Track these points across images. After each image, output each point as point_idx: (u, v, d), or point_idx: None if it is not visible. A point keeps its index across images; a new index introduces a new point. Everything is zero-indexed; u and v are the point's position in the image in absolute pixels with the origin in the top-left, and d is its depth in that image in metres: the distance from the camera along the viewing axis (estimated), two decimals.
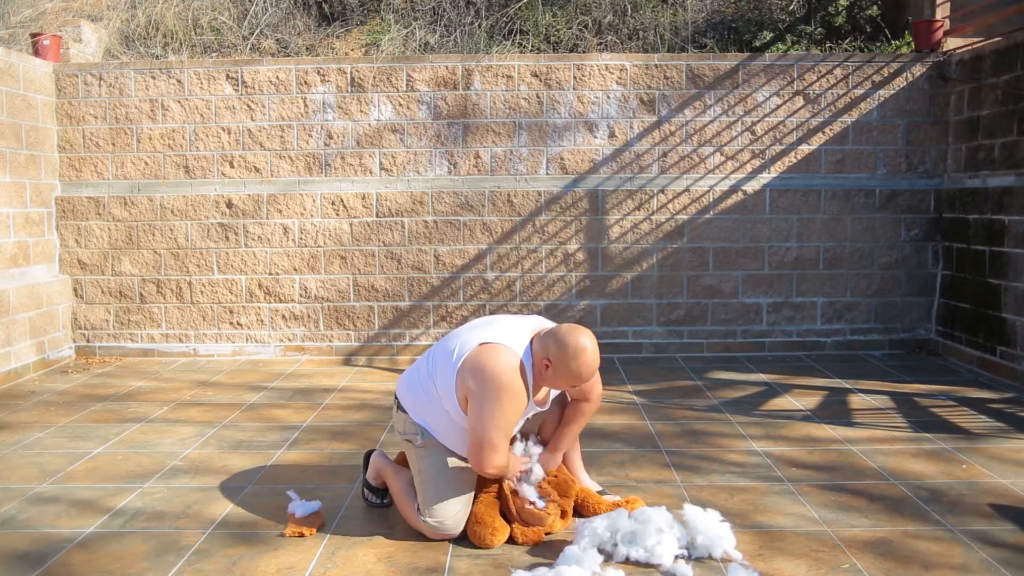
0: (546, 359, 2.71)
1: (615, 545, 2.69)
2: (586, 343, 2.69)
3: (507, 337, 2.77)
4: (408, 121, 5.96)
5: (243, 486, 3.42)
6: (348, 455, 3.81)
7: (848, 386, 5.04)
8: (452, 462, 2.88)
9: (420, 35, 6.75)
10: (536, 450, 3.02)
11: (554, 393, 2.99)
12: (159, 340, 6.10)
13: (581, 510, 2.98)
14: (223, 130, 6.00)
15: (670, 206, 5.96)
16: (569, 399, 3.07)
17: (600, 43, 6.74)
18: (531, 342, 2.79)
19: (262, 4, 7.01)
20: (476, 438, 2.70)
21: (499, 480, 2.90)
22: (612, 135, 5.95)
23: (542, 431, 3.17)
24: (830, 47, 6.53)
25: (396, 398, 3.03)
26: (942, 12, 6.01)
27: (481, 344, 2.74)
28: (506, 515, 2.88)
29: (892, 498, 3.24)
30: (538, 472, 2.95)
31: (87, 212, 6.04)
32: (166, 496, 3.31)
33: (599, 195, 5.96)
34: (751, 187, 5.95)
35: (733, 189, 5.95)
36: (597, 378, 2.99)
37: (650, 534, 2.67)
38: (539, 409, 2.97)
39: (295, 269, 6.04)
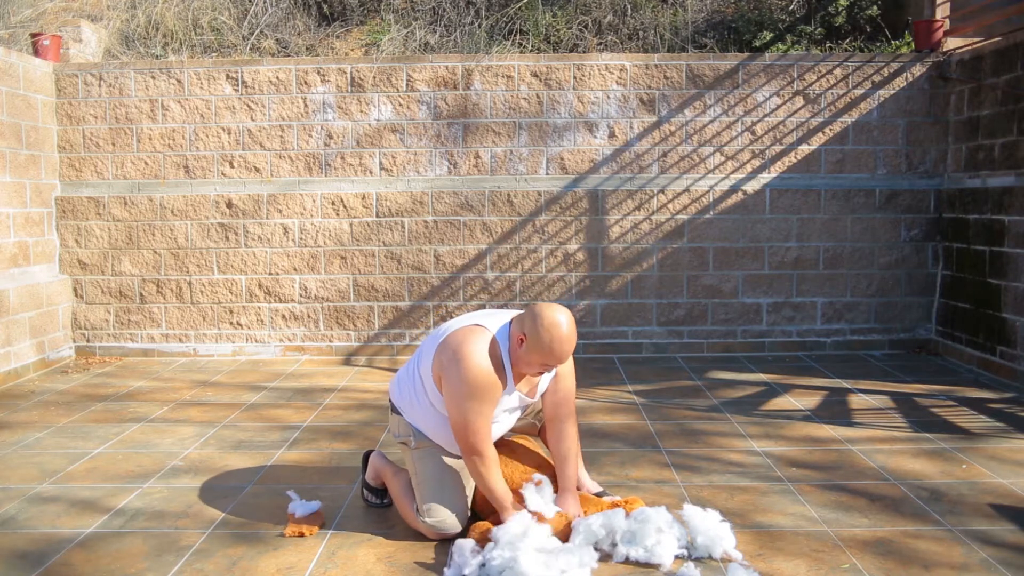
0: (521, 334, 2.71)
1: (614, 545, 2.68)
2: (561, 318, 2.67)
3: (487, 320, 2.81)
4: (408, 121, 5.96)
5: (243, 486, 3.42)
6: (348, 455, 3.81)
7: (848, 386, 5.04)
8: (448, 462, 2.88)
9: (420, 35, 6.75)
10: (548, 497, 2.84)
11: (543, 386, 2.96)
12: (159, 340, 6.10)
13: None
14: (223, 130, 6.00)
15: (670, 206, 5.96)
16: (548, 418, 2.99)
17: (600, 43, 6.74)
18: (510, 323, 2.81)
19: (262, 4, 7.01)
20: (455, 421, 2.72)
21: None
22: (612, 135, 5.95)
23: (547, 442, 3.11)
24: (830, 47, 6.53)
25: (391, 400, 3.03)
26: (942, 12, 6.01)
27: (462, 326, 2.79)
28: None
29: (892, 498, 3.24)
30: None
31: (87, 212, 6.04)
32: (166, 496, 3.31)
33: (599, 195, 5.96)
34: (751, 187, 5.95)
35: (733, 189, 5.95)
36: (570, 382, 2.94)
37: (649, 534, 2.67)
38: (529, 401, 2.93)
39: (295, 269, 6.04)
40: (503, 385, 2.74)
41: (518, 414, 3.00)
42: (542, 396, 2.99)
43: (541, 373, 2.78)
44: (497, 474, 2.77)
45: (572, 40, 6.71)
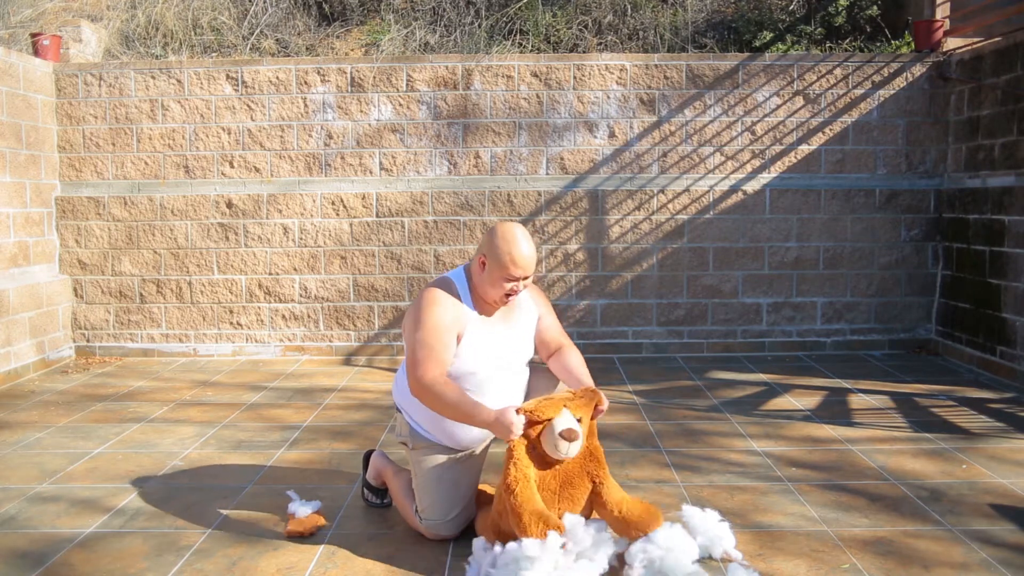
0: (481, 257, 2.77)
1: (629, 565, 2.58)
2: (515, 227, 2.75)
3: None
4: (408, 121, 5.96)
5: (243, 486, 3.42)
6: (348, 455, 3.81)
7: (848, 386, 5.04)
8: (448, 463, 2.87)
9: (420, 35, 6.75)
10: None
11: (525, 319, 2.93)
12: (159, 340, 6.10)
13: (595, 506, 2.85)
14: (223, 130, 6.00)
15: (670, 206, 5.96)
16: (547, 358, 3.07)
17: (600, 43, 6.74)
18: (464, 265, 2.90)
19: (262, 4, 7.01)
20: (408, 358, 2.74)
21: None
22: (612, 135, 5.95)
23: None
24: (830, 47, 6.53)
25: (394, 400, 3.04)
26: (942, 12, 6.01)
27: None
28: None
29: (892, 498, 3.24)
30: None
31: (87, 212, 6.04)
32: (166, 496, 3.32)
33: (599, 195, 5.96)
34: (751, 187, 5.95)
35: (733, 189, 5.95)
36: (553, 318, 3.04)
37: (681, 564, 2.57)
38: (519, 343, 2.89)
39: (295, 269, 6.04)
40: (464, 316, 2.76)
41: (518, 372, 2.94)
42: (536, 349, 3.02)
43: (510, 294, 2.78)
44: (457, 392, 2.66)
45: (572, 40, 6.71)
